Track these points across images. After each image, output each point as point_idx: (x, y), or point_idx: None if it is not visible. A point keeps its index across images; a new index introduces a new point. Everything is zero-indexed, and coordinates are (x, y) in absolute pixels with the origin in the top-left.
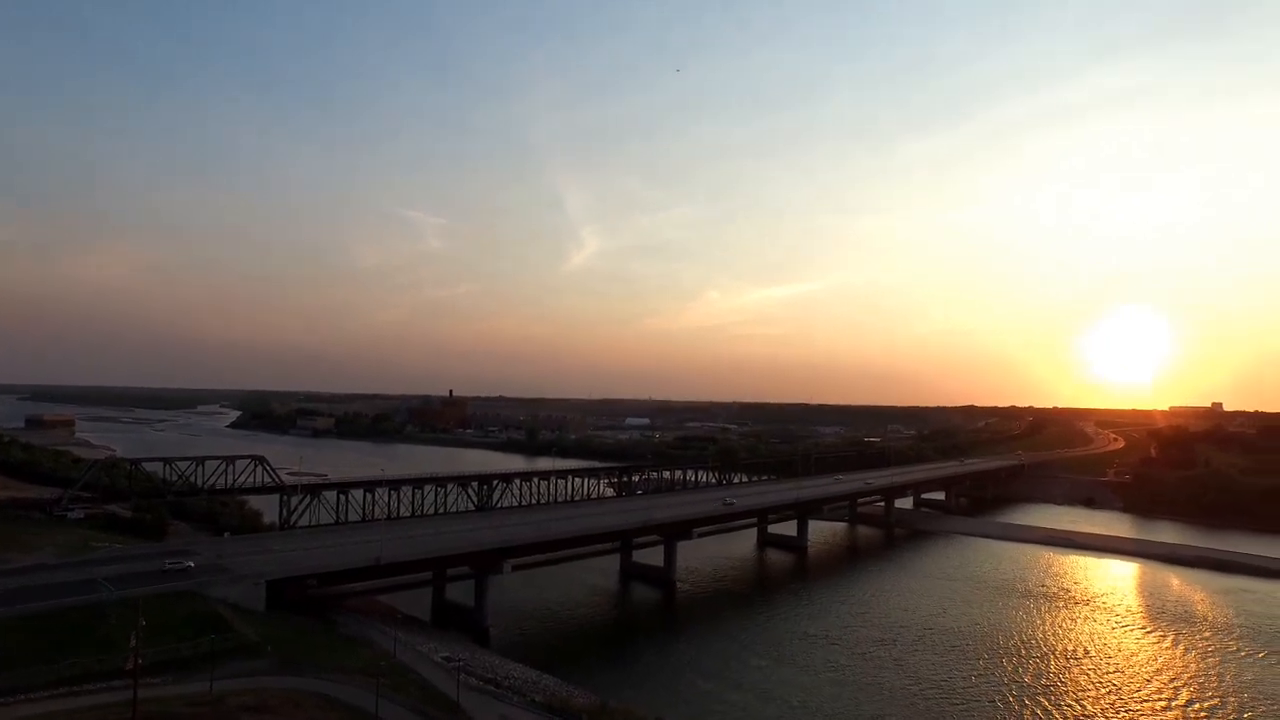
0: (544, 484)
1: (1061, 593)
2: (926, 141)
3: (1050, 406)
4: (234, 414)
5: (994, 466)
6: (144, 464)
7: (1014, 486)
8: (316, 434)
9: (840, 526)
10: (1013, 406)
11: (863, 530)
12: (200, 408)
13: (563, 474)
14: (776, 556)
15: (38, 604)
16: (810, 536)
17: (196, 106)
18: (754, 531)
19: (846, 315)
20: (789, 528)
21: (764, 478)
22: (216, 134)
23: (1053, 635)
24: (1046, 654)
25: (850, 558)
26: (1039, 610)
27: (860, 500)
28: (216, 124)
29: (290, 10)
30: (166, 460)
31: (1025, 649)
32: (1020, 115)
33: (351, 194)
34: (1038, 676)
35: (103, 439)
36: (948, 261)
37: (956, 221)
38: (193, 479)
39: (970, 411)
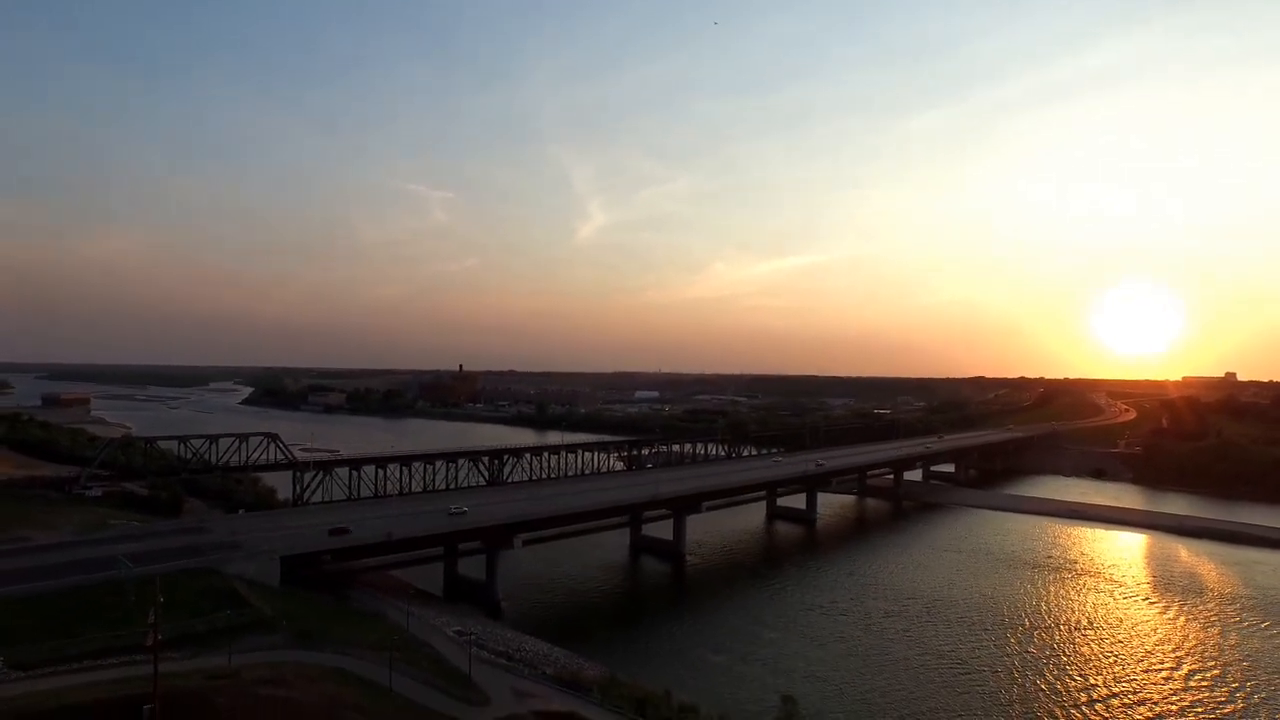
0: (554, 458)
1: (1069, 564)
2: (933, 116)
3: (1061, 377)
4: (246, 390)
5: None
6: (159, 442)
7: (1024, 458)
8: (328, 410)
9: (849, 499)
10: (1023, 378)
11: (871, 503)
12: (213, 384)
13: (572, 448)
14: (785, 529)
15: (59, 581)
16: (819, 509)
17: (202, 91)
18: (763, 505)
19: (854, 286)
20: (798, 500)
21: (774, 450)
22: (222, 117)
23: (1060, 607)
24: (1053, 625)
25: (859, 530)
26: (1046, 582)
27: (869, 472)
28: (222, 107)
29: None
30: (181, 438)
31: (1032, 620)
32: (1029, 88)
33: (355, 171)
34: (1044, 648)
35: (118, 417)
36: (956, 233)
37: (964, 194)
38: (207, 456)
39: (980, 383)
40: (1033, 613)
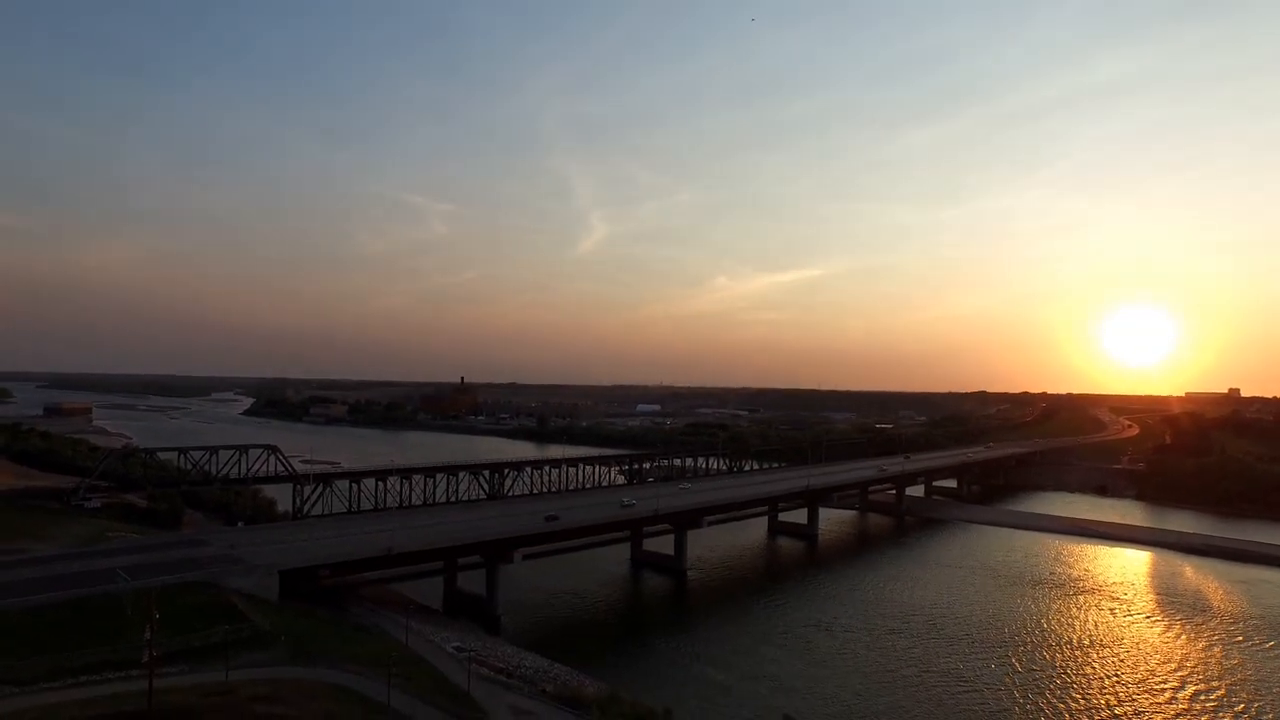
0: (555, 472)
1: (1073, 582)
2: (934, 128)
3: (1064, 392)
4: (248, 401)
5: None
6: (159, 453)
7: (1027, 474)
8: (329, 421)
9: (850, 514)
10: (1025, 392)
11: (874, 518)
12: (214, 395)
13: (573, 462)
14: (787, 545)
15: (56, 594)
16: (821, 524)
17: (204, 101)
18: (764, 520)
19: (856, 300)
20: (799, 516)
21: (774, 465)
22: (224, 126)
23: (1064, 625)
24: (1057, 644)
25: (861, 546)
26: (1050, 599)
27: (871, 488)
28: (223, 118)
29: (292, 3)
30: (181, 450)
31: (1036, 638)
32: (1029, 102)
33: (356, 181)
34: (1048, 666)
35: (119, 426)
36: (958, 247)
37: (965, 207)
38: (207, 468)
39: (982, 398)
40: (1036, 630)
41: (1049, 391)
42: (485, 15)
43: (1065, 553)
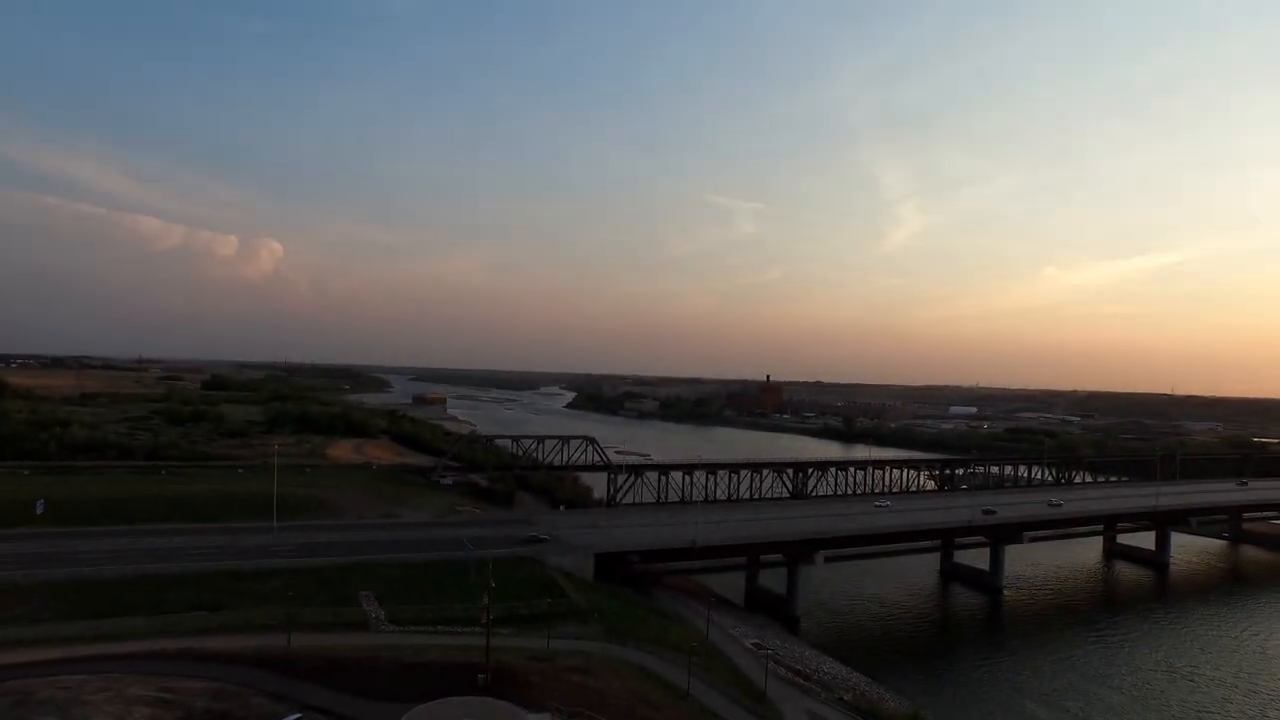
0: (860, 474)
1: None
2: None
3: None
4: (570, 395)
5: None
6: (496, 440)
7: None
8: (641, 416)
9: (1217, 545)
10: None
11: (1251, 552)
12: (542, 389)
13: (880, 464)
14: (1128, 572)
15: (420, 555)
16: (1173, 552)
17: (533, 122)
18: (1098, 541)
19: (1220, 289)
20: (1144, 539)
21: (1112, 478)
22: (548, 144)
23: None
24: None
25: (1231, 583)
26: None
27: (1248, 514)
28: (547, 134)
29: (597, 17)
30: (514, 438)
31: None
32: None
33: (664, 186)
34: None
35: (466, 415)
36: None
37: None
38: (535, 455)
39: None
40: None
41: None
42: (784, 12)
43: None
